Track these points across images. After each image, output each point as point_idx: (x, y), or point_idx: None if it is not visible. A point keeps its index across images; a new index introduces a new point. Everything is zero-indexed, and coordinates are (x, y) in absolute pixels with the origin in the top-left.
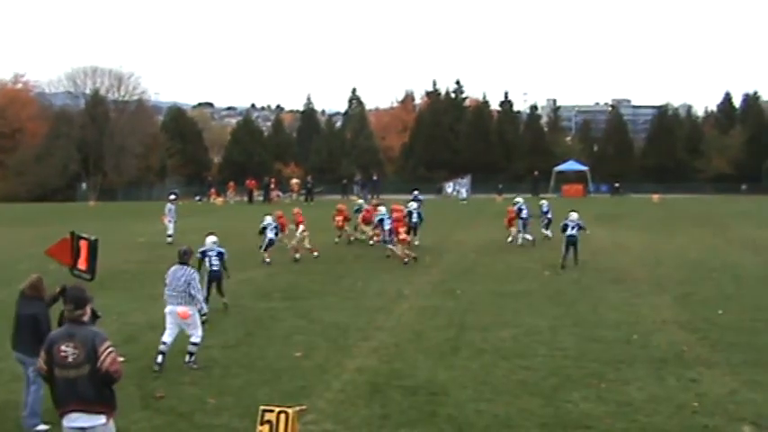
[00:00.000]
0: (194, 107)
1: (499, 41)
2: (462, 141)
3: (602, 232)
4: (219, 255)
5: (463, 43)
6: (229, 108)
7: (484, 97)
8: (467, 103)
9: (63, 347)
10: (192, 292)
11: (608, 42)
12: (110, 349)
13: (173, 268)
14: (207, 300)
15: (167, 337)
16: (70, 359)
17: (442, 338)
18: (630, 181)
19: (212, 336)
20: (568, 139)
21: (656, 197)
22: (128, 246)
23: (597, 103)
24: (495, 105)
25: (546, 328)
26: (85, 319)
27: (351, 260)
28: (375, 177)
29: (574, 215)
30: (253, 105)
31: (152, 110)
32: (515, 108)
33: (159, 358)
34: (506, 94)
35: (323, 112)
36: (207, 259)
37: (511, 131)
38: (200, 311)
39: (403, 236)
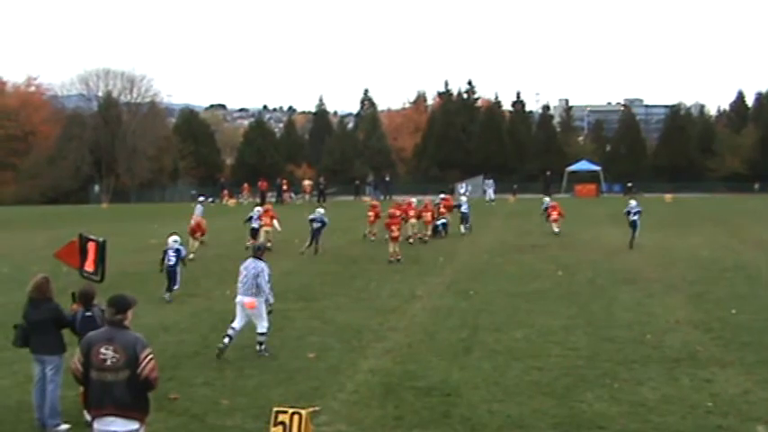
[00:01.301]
0: (206, 109)
1: (511, 41)
2: (474, 142)
3: (616, 232)
4: (177, 252)
5: (475, 44)
6: (242, 110)
7: (496, 97)
8: (479, 103)
9: (102, 350)
10: (261, 283)
11: (620, 42)
12: (150, 356)
13: (246, 262)
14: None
15: (236, 323)
16: (109, 362)
17: (456, 339)
18: (643, 180)
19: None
20: (581, 138)
21: (668, 197)
22: (140, 247)
23: (609, 103)
24: (507, 106)
25: (559, 328)
26: (127, 323)
27: (364, 261)
28: (387, 178)
29: (633, 202)
30: (265, 107)
31: (164, 112)
32: (527, 108)
33: (225, 340)
34: (518, 94)
35: (335, 113)
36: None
37: (523, 131)
38: (266, 303)
39: (395, 233)
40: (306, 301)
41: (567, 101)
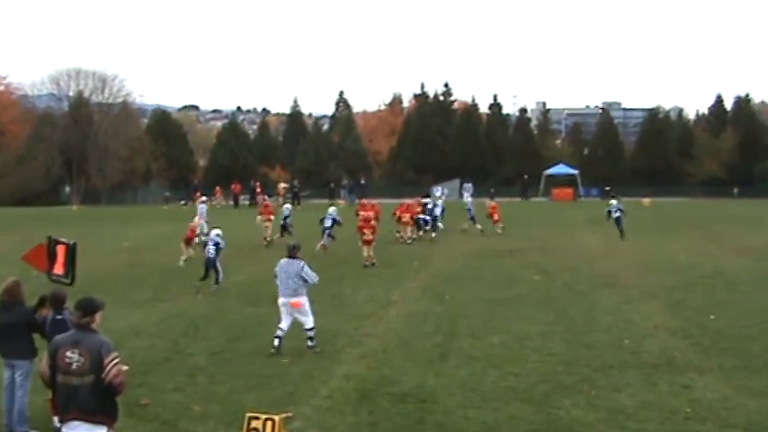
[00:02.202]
0: (179, 110)
1: (488, 43)
2: (451, 145)
3: (594, 237)
4: (216, 245)
5: (452, 45)
6: (215, 111)
7: (473, 100)
8: (455, 105)
9: (68, 354)
10: (306, 278)
11: (598, 44)
12: (116, 360)
13: (282, 262)
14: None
15: (284, 324)
16: (74, 366)
17: (431, 345)
18: (621, 184)
19: (197, 342)
20: (558, 142)
21: (646, 201)
22: (112, 250)
23: (587, 106)
24: (484, 108)
25: (537, 333)
26: (94, 326)
27: (338, 265)
28: (362, 181)
29: (614, 201)
30: (239, 108)
31: (137, 112)
32: (505, 111)
33: (275, 342)
34: (495, 96)
35: (310, 115)
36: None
37: (500, 134)
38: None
39: (368, 237)
40: None
41: (544, 103)
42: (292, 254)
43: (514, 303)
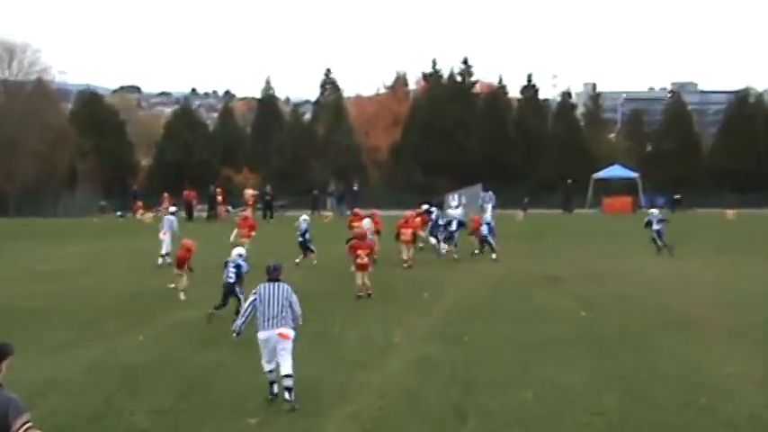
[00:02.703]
0: (115, 91)
1: (519, 8)
2: (471, 139)
3: (659, 261)
4: (237, 267)
5: (472, 11)
6: (162, 94)
7: (500, 81)
8: (477, 88)
9: None
10: (295, 306)
11: (664, 8)
12: (28, 425)
13: (264, 287)
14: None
15: (271, 363)
16: None
17: (444, 400)
18: (696, 191)
19: (136, 398)
20: (612, 135)
21: (731, 213)
22: (23, 276)
23: (651, 88)
24: (514, 92)
25: (581, 386)
26: None
27: (325, 297)
28: (355, 187)
29: (654, 211)
30: (193, 91)
31: (56, 94)
32: (542, 95)
33: (274, 388)
34: (530, 77)
35: (287, 100)
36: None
37: (536, 126)
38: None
39: (363, 260)
40: (246, 350)
41: (594, 85)
42: (274, 276)
43: (553, 346)
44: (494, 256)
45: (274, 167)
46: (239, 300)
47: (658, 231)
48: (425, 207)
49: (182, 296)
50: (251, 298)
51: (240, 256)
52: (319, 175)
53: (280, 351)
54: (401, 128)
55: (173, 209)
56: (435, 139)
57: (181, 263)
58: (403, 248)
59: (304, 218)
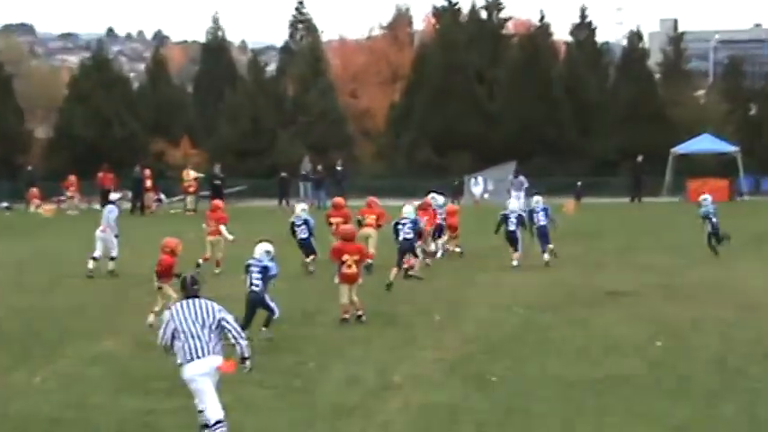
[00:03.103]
0: None
1: None
2: (501, 100)
3: (762, 268)
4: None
5: None
6: (65, 35)
7: (541, 19)
8: (510, 28)
9: None
10: (230, 327)
11: None
12: None
13: (180, 307)
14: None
15: (210, 407)
16: None
17: None
18: None
19: None
20: (701, 94)
21: None
22: None
23: (758, 25)
24: (562, 33)
25: None
26: None
27: (298, 318)
28: (339, 167)
29: (707, 197)
30: (110, 32)
31: None
32: (601, 38)
33: None
34: (583, 12)
35: (243, 45)
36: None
37: (592, 81)
38: (242, 358)
39: (350, 269)
40: (188, 398)
41: (675, 23)
42: (191, 291)
43: (618, 389)
44: (515, 261)
45: (225, 140)
46: (271, 311)
47: (714, 225)
48: (434, 196)
49: (151, 319)
50: (166, 318)
51: (268, 253)
52: (288, 152)
53: (212, 386)
54: (403, 85)
55: (115, 195)
56: (451, 99)
57: (165, 271)
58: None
59: (302, 207)
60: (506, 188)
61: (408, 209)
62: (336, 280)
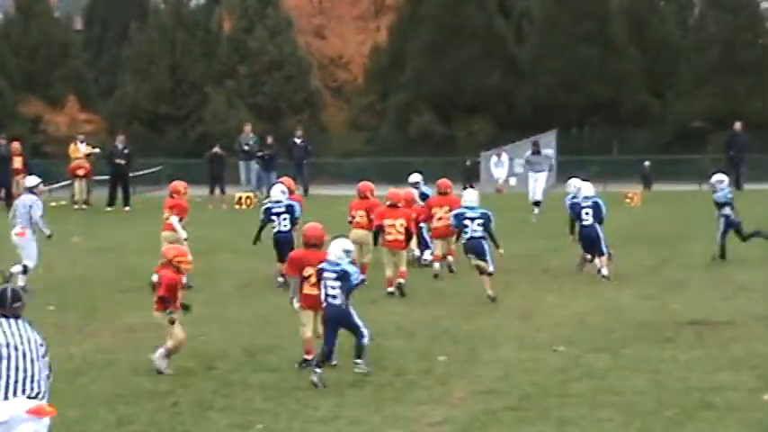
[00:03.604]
0: None
1: None
2: (533, 43)
3: None
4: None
5: None
6: None
7: None
8: None
9: None
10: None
11: None
12: None
13: None
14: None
15: None
16: None
17: None
18: None
19: None
20: None
21: None
22: None
23: None
24: None
25: None
26: None
27: (234, 358)
28: (298, 139)
29: (721, 178)
30: None
31: None
32: None
33: None
34: None
35: None
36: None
37: (668, 15)
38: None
39: (314, 290)
40: None
41: None
42: (13, 309)
43: None
44: (604, 270)
45: (131, 100)
46: (360, 334)
47: (728, 220)
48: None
49: (163, 367)
50: None
51: (347, 253)
52: (224, 117)
53: None
54: (390, 21)
55: (33, 180)
56: (460, 42)
57: (169, 293)
58: (388, 259)
59: (281, 188)
60: (525, 168)
61: (472, 195)
62: (296, 305)
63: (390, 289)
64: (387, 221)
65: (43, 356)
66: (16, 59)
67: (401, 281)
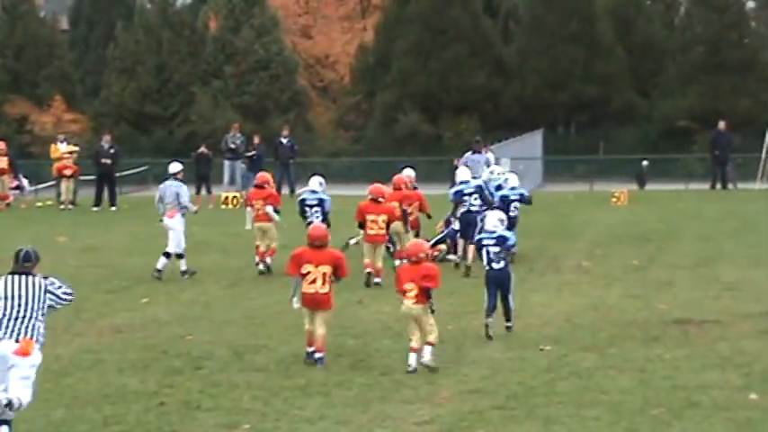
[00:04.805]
0: None
1: None
2: (521, 42)
3: None
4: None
5: None
6: None
7: None
8: None
9: None
10: (61, 299)
11: None
12: None
13: (5, 281)
14: None
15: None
16: None
17: None
18: None
19: None
20: None
21: None
22: None
23: None
24: None
25: None
26: None
27: (228, 357)
28: (284, 139)
29: None
30: None
31: None
32: None
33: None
34: None
35: None
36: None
37: (654, 15)
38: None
39: (317, 287)
40: None
41: None
42: (24, 268)
43: None
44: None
45: (117, 100)
46: (509, 302)
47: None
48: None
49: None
50: None
51: (501, 222)
52: (211, 116)
53: (12, 377)
54: (377, 20)
55: (176, 167)
56: (447, 41)
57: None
58: (368, 251)
59: (319, 180)
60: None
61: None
62: (295, 303)
63: (369, 269)
64: (369, 217)
65: (43, 307)
66: (2, 59)
67: (377, 280)
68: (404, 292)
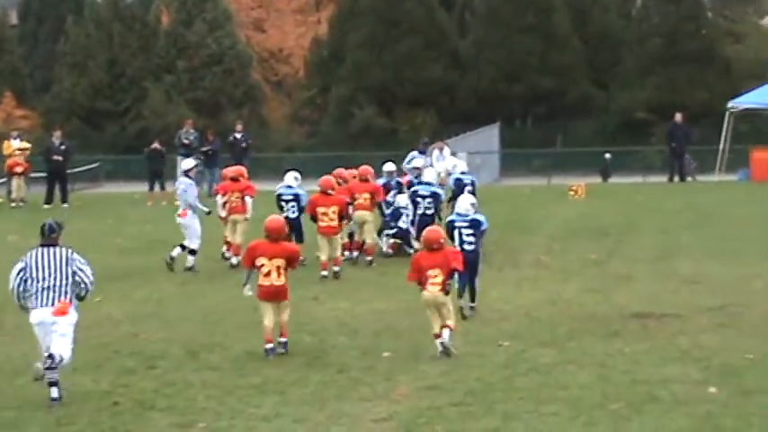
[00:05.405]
0: None
1: None
2: (477, 35)
3: None
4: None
5: None
6: None
7: None
8: None
9: None
10: (84, 276)
11: None
12: None
13: (35, 253)
14: None
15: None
16: None
17: None
18: None
19: None
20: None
21: None
22: None
23: None
24: None
25: None
26: None
27: (181, 356)
28: (238, 134)
29: None
30: None
31: None
32: None
33: (54, 392)
34: None
35: None
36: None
37: (610, 6)
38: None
39: (272, 279)
40: None
41: None
42: (50, 239)
43: None
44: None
45: (68, 96)
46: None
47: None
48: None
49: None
50: (18, 266)
51: (473, 206)
52: (162, 112)
53: (54, 337)
54: (331, 13)
55: (189, 164)
56: (402, 34)
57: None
58: (323, 244)
59: (295, 175)
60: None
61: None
62: (247, 291)
63: (324, 272)
64: (320, 209)
65: (73, 275)
66: None
67: (336, 268)
68: (425, 280)
